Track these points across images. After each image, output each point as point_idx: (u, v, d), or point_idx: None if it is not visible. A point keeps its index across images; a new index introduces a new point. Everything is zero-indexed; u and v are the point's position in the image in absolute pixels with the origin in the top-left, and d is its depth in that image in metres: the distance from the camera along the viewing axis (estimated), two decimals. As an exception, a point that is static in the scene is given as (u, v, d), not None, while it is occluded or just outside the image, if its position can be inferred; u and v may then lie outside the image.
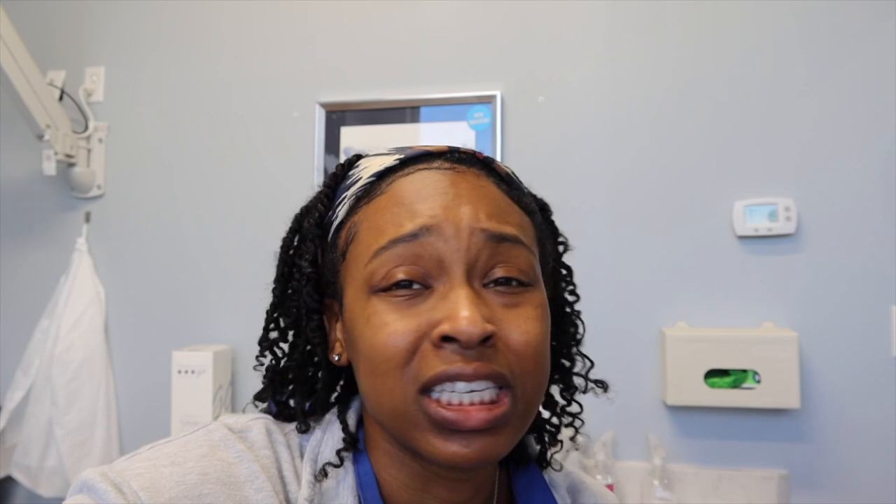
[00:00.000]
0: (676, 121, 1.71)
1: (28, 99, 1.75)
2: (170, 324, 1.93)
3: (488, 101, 1.78)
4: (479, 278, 0.50)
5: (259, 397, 0.62)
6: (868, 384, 1.59)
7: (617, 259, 1.71)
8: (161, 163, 1.98)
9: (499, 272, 0.50)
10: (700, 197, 1.69)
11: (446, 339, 0.47)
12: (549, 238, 0.62)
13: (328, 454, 0.55)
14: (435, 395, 0.47)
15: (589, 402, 0.65)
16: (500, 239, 0.50)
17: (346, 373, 0.61)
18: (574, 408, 0.64)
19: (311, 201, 0.60)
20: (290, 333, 0.61)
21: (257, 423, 0.56)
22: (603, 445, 1.63)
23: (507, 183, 0.57)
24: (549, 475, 0.64)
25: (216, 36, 1.98)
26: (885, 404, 1.58)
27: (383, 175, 0.54)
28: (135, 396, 1.94)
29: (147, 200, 1.97)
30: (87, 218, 1.99)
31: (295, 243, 0.61)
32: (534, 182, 0.65)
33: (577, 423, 0.65)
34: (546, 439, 0.65)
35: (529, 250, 0.52)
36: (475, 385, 0.47)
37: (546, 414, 0.65)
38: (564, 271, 0.65)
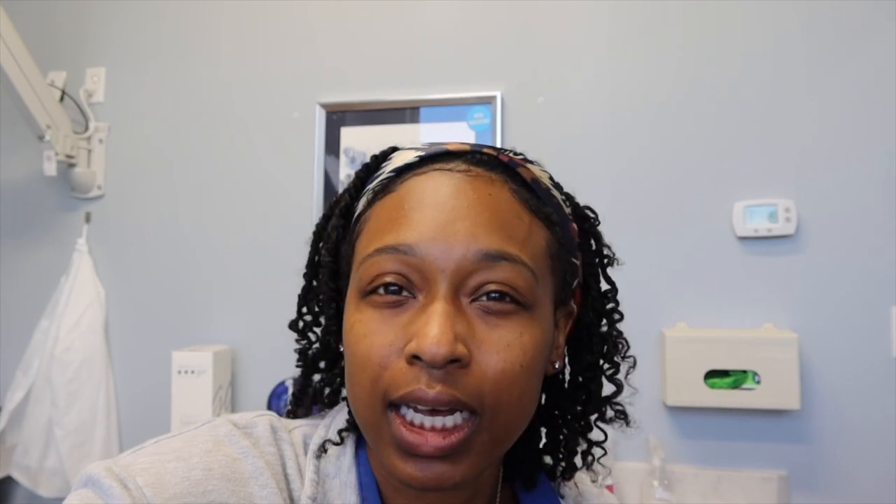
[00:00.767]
0: (676, 122, 1.71)
1: (29, 99, 1.75)
2: (170, 324, 1.93)
3: (488, 101, 1.78)
4: (468, 294, 0.48)
5: (299, 381, 0.64)
6: (868, 385, 1.59)
7: (617, 259, 1.71)
8: (161, 163, 1.98)
9: (490, 287, 0.48)
10: (700, 198, 1.69)
11: (416, 356, 0.45)
12: (583, 253, 0.60)
13: (332, 456, 0.55)
14: (402, 412, 0.46)
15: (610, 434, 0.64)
16: (495, 257, 0.47)
17: None
18: (597, 434, 0.62)
19: (344, 189, 0.61)
20: (321, 318, 0.62)
21: (262, 419, 0.55)
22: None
23: (530, 189, 0.53)
24: (561, 490, 0.64)
25: (217, 36, 1.98)
26: (885, 405, 1.58)
27: (402, 171, 0.54)
28: (135, 397, 1.94)
29: (147, 201, 1.98)
30: (88, 218, 1.99)
31: (326, 230, 0.61)
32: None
33: (597, 451, 0.62)
34: (561, 461, 0.63)
35: (530, 270, 0.49)
36: (437, 408, 0.46)
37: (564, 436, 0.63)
38: (607, 286, 0.63)
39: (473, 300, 0.48)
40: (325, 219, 0.61)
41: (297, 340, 0.63)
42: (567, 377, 0.62)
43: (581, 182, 1.70)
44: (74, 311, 1.90)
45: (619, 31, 1.76)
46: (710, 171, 1.69)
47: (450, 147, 0.54)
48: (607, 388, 0.62)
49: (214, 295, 1.92)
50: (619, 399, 0.61)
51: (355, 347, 0.48)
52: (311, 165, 1.86)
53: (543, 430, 0.63)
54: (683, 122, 1.71)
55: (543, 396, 0.61)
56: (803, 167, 1.65)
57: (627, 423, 0.61)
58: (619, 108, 1.74)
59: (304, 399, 0.62)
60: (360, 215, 0.55)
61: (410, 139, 1.81)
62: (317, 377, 0.63)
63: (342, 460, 0.54)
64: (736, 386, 1.56)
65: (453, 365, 0.45)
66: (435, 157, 0.53)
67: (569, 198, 0.60)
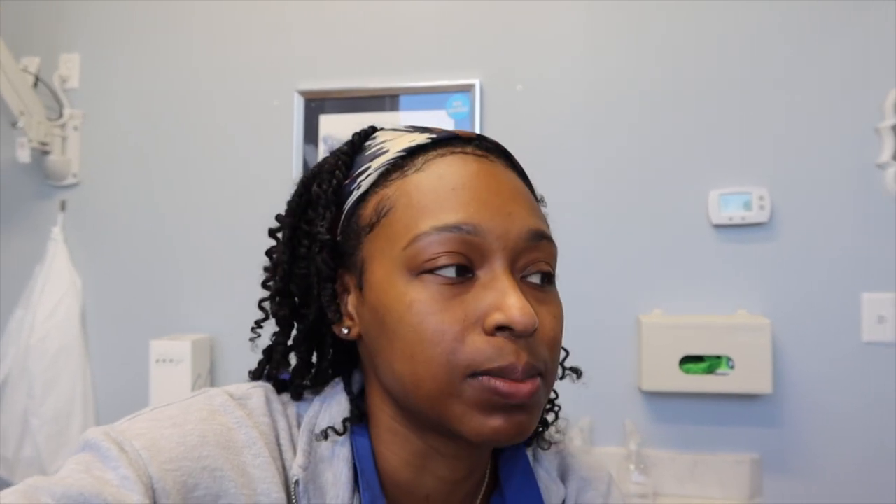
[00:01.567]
0: (654, 111, 1.73)
1: (1, 85, 1.73)
2: (147, 313, 1.92)
3: (467, 89, 1.79)
4: (519, 271, 0.51)
5: (263, 374, 0.61)
6: (838, 370, 1.63)
7: (594, 247, 1.73)
8: (138, 151, 1.96)
9: (535, 268, 0.52)
10: (676, 186, 1.71)
11: (500, 328, 0.47)
12: None
13: (325, 425, 0.55)
14: (487, 378, 0.48)
15: (566, 390, 0.67)
16: (538, 237, 0.52)
17: (348, 345, 0.60)
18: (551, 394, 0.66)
19: (325, 166, 0.58)
20: (297, 303, 0.59)
21: (257, 390, 0.56)
22: (580, 431, 1.65)
23: (524, 176, 0.58)
24: (537, 455, 0.65)
25: (194, 23, 1.96)
26: (855, 390, 1.62)
27: (414, 152, 0.54)
28: (113, 386, 1.93)
29: (123, 189, 1.96)
30: (63, 206, 1.97)
31: (301, 209, 0.58)
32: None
33: (556, 408, 0.66)
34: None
35: (555, 246, 0.54)
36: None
37: None
38: None
39: (522, 276, 0.51)
40: (300, 196, 0.59)
41: (253, 329, 0.61)
42: None
43: (559, 170, 1.73)
44: (50, 301, 1.88)
45: (598, 20, 1.77)
46: (687, 159, 1.71)
47: (458, 132, 0.56)
48: None
49: (192, 283, 1.91)
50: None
51: (421, 325, 0.48)
52: (290, 153, 1.85)
53: None
54: (660, 112, 1.73)
55: None
56: (777, 156, 1.67)
57: (580, 376, 0.65)
58: (598, 97, 1.76)
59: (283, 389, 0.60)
60: (365, 194, 0.54)
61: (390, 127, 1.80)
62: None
63: (338, 437, 0.55)
64: (710, 371, 1.59)
65: (531, 334, 0.48)
66: (449, 141, 0.55)
67: None
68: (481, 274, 0.50)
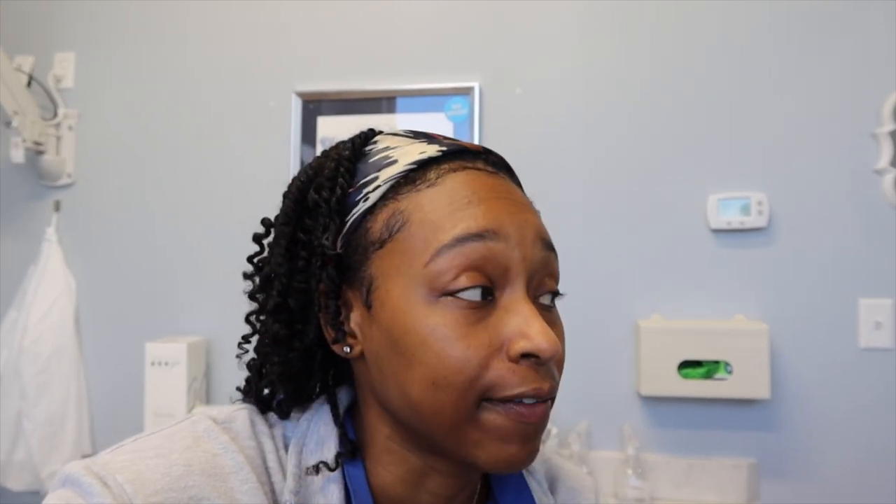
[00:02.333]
0: (652, 116, 1.73)
1: (-5, 84, 1.71)
2: (142, 315, 1.90)
3: (466, 92, 1.78)
4: (533, 290, 0.50)
5: (247, 392, 0.59)
6: (836, 375, 1.63)
7: (592, 252, 1.72)
8: (133, 151, 1.94)
9: (547, 285, 0.51)
10: (674, 191, 1.71)
11: (525, 355, 0.47)
12: None
13: (313, 447, 0.54)
14: (503, 404, 0.48)
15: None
16: (549, 248, 0.52)
17: (336, 362, 0.59)
18: None
19: (321, 172, 0.54)
20: (293, 317, 0.55)
21: (241, 413, 0.54)
22: (577, 436, 1.65)
23: (521, 190, 0.57)
24: (529, 467, 0.64)
25: (190, 22, 1.94)
26: (853, 395, 1.62)
27: (426, 164, 0.52)
28: (107, 389, 1.91)
29: (119, 189, 1.94)
30: (57, 207, 1.95)
31: (297, 217, 0.55)
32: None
33: None
34: None
35: (558, 259, 0.53)
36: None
37: None
38: None
39: (537, 298, 0.51)
40: (297, 203, 0.55)
41: (240, 345, 0.58)
42: None
43: (558, 174, 1.72)
44: (44, 302, 1.86)
45: (595, 24, 1.77)
46: (685, 164, 1.71)
47: (466, 145, 0.55)
48: None
49: (188, 285, 1.89)
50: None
51: (444, 351, 0.47)
52: (287, 155, 1.84)
53: None
54: (659, 116, 1.72)
55: None
56: (776, 161, 1.67)
57: None
58: (597, 101, 1.75)
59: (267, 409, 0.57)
60: (374, 206, 0.51)
61: (388, 129, 1.79)
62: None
63: (325, 452, 0.54)
64: (708, 376, 1.59)
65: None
66: (459, 154, 0.53)
67: None
68: (501, 296, 0.49)
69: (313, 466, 0.52)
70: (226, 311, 1.83)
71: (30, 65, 1.96)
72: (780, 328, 1.63)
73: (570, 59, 1.77)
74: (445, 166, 0.52)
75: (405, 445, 0.53)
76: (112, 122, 1.96)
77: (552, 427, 1.65)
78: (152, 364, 1.75)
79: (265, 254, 0.58)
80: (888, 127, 1.60)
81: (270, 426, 0.55)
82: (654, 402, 1.69)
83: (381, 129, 0.60)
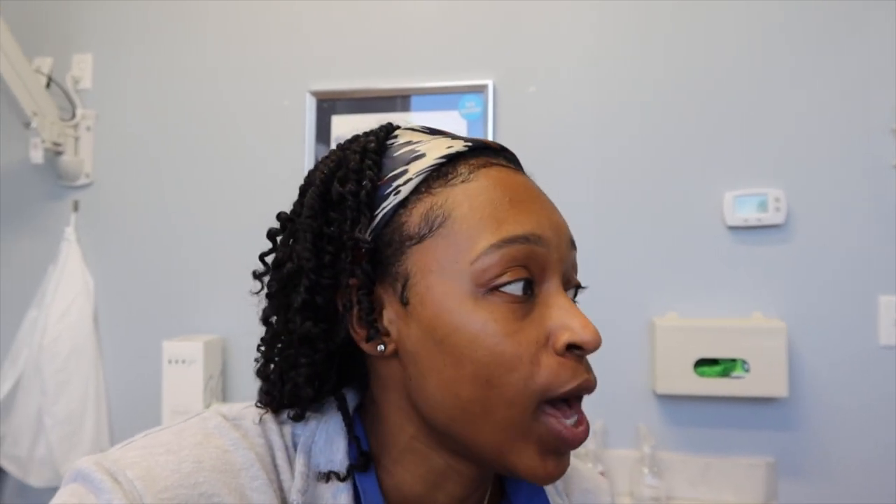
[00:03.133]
0: (667, 111, 1.71)
1: (14, 86, 1.73)
2: (160, 313, 1.92)
3: (480, 90, 1.78)
4: (564, 286, 0.52)
5: (269, 401, 0.56)
6: (855, 373, 1.61)
7: (608, 249, 1.72)
8: (150, 151, 1.96)
9: (574, 281, 0.53)
10: (690, 187, 1.69)
11: (571, 347, 0.48)
12: None
13: (322, 445, 0.54)
14: (555, 411, 0.48)
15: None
16: (574, 246, 0.53)
17: (352, 359, 0.57)
18: None
19: (345, 163, 0.53)
20: (320, 313, 0.53)
21: (251, 411, 0.55)
22: (593, 434, 1.64)
23: None
24: None
25: (206, 23, 1.96)
26: (872, 393, 1.60)
27: (454, 159, 0.52)
28: (125, 386, 1.94)
29: (136, 189, 1.96)
30: (76, 207, 1.97)
31: (323, 209, 0.53)
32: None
33: None
34: None
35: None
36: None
37: None
38: None
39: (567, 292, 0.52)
40: (321, 196, 0.53)
41: (307, 351, 0.53)
42: None
43: (571, 171, 1.72)
44: (63, 301, 1.88)
45: (611, 21, 1.76)
46: (701, 160, 1.69)
47: (486, 141, 0.56)
48: None
49: (205, 284, 1.91)
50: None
51: (498, 346, 0.47)
52: (302, 154, 1.85)
53: None
54: (674, 111, 1.71)
55: None
56: (793, 157, 1.65)
57: None
58: (610, 98, 1.74)
59: (299, 402, 0.55)
60: (406, 200, 0.50)
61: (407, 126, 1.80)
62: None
63: (335, 454, 0.53)
64: (725, 374, 1.58)
65: None
66: (484, 150, 0.54)
67: None
68: (540, 291, 0.50)
69: (324, 475, 0.52)
70: (242, 309, 1.82)
71: (48, 66, 1.98)
72: (799, 326, 1.61)
73: (584, 57, 1.76)
74: (473, 162, 0.52)
75: (431, 445, 0.53)
76: (129, 123, 1.98)
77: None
78: (169, 362, 1.77)
79: (281, 250, 0.55)
80: (908, 122, 1.58)
81: (280, 424, 0.55)
82: (670, 400, 1.68)
83: (400, 125, 0.60)
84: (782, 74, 1.67)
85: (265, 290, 0.57)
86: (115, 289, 1.96)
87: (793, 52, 1.67)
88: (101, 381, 1.92)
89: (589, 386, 0.49)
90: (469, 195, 0.50)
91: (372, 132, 0.56)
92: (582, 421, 0.49)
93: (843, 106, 1.64)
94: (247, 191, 1.89)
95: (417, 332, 0.49)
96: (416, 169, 0.51)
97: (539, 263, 0.49)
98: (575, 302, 0.53)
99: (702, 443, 1.66)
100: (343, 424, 0.54)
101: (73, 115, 1.96)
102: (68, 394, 1.85)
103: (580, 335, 0.47)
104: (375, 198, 0.51)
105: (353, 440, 0.54)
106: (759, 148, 1.67)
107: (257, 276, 0.58)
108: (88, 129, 1.98)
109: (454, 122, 1.77)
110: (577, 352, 0.48)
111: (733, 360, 1.57)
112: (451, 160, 0.52)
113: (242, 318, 1.86)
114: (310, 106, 1.86)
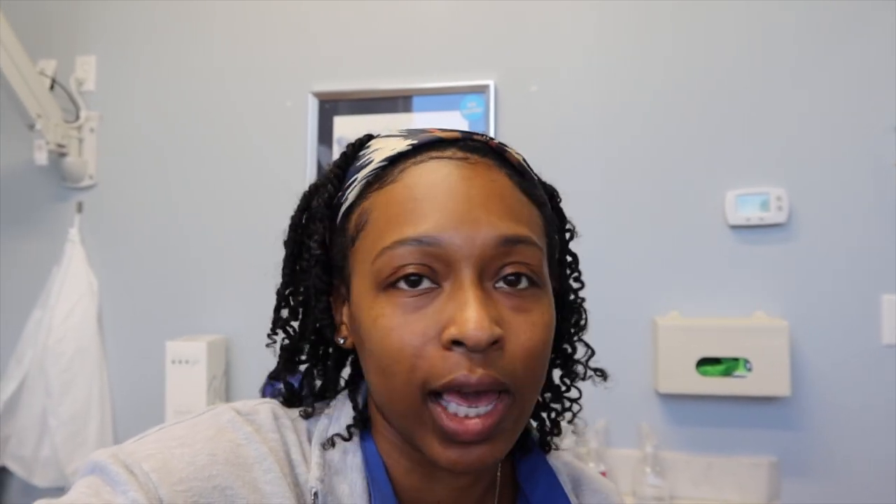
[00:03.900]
0: (669, 111, 1.72)
1: (19, 88, 1.74)
2: (163, 314, 1.93)
3: (481, 90, 1.78)
4: (490, 278, 0.49)
5: (274, 376, 0.61)
6: (858, 372, 1.61)
7: (610, 249, 1.72)
8: (153, 152, 1.97)
9: (509, 269, 0.49)
10: (692, 187, 1.70)
11: (455, 342, 0.46)
12: (556, 227, 0.61)
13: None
14: (444, 402, 0.48)
15: (582, 390, 0.66)
16: (513, 242, 0.49)
17: (355, 353, 0.61)
18: (573, 393, 0.65)
19: (320, 180, 0.59)
20: (301, 312, 0.61)
21: (264, 406, 0.56)
22: (595, 433, 1.64)
23: (520, 173, 0.55)
24: (551, 461, 0.64)
25: (209, 25, 1.97)
26: (875, 392, 1.59)
27: (395, 160, 0.53)
28: (129, 387, 1.94)
29: (140, 190, 1.97)
30: (80, 208, 1.98)
31: (303, 222, 0.59)
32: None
33: (575, 407, 0.65)
34: (547, 425, 0.65)
35: (539, 249, 0.52)
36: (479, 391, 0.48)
37: (547, 399, 0.65)
38: (570, 258, 0.65)
39: (495, 284, 0.50)
40: (302, 210, 0.60)
41: (269, 335, 0.61)
42: None
43: (573, 170, 1.72)
44: (67, 302, 1.89)
45: (612, 20, 1.76)
46: (703, 159, 1.69)
47: (441, 135, 0.54)
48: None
49: (208, 284, 1.91)
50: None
51: (384, 341, 0.48)
52: (304, 154, 1.86)
53: None
54: (676, 111, 1.71)
55: None
56: (795, 156, 1.65)
57: (605, 378, 0.65)
58: (612, 98, 1.75)
59: (295, 400, 0.60)
60: (351, 206, 0.54)
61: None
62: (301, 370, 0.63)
63: (348, 448, 0.55)
64: (727, 373, 1.58)
65: (491, 347, 0.47)
66: (429, 145, 0.53)
67: (538, 177, 0.60)
68: (447, 285, 0.49)
69: (329, 439, 0.55)
70: (245, 309, 1.85)
71: (52, 68, 1.99)
72: (801, 325, 1.61)
73: (585, 57, 1.77)
74: (412, 160, 0.52)
75: (403, 439, 0.54)
76: (132, 124, 1.99)
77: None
78: (173, 362, 1.78)
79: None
80: (910, 120, 1.58)
81: (293, 420, 0.56)
82: (672, 399, 1.68)
83: (399, 128, 0.60)
84: (784, 74, 1.67)
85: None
86: (118, 289, 1.97)
87: (794, 51, 1.67)
88: (106, 382, 1.93)
89: (467, 382, 0.46)
90: (387, 198, 0.51)
91: (348, 144, 0.59)
92: (486, 414, 0.47)
93: (844, 105, 1.64)
94: (249, 192, 1.90)
95: (353, 326, 0.54)
96: (361, 175, 0.54)
97: (441, 260, 0.48)
98: (523, 292, 0.50)
99: (704, 442, 1.66)
100: (352, 413, 0.57)
101: (77, 117, 1.97)
102: (73, 394, 1.86)
103: (461, 330, 0.46)
104: (335, 207, 0.56)
105: (356, 413, 0.57)
106: (760, 147, 1.67)
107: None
108: (92, 130, 1.99)
109: (456, 122, 1.78)
110: (458, 348, 0.47)
111: (736, 360, 1.58)
112: (393, 162, 0.53)
113: (246, 319, 1.88)
114: (312, 107, 1.86)
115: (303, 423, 0.57)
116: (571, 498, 0.62)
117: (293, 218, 0.60)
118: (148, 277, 1.95)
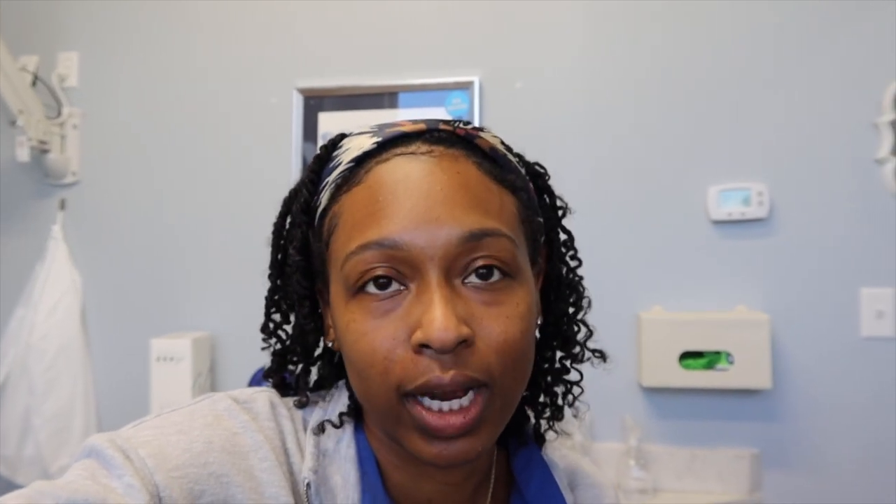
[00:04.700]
0: (652, 108, 1.73)
1: (0, 84, 1.72)
2: (148, 311, 1.92)
3: (466, 87, 1.79)
4: (458, 275, 0.49)
5: (267, 375, 0.62)
6: (838, 365, 1.63)
7: (593, 244, 1.72)
8: (137, 149, 1.96)
9: (479, 262, 0.48)
10: (675, 182, 1.71)
11: (423, 345, 0.46)
12: (541, 208, 0.61)
13: (328, 427, 0.56)
14: (420, 400, 0.48)
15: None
16: (479, 236, 0.48)
17: None
18: (573, 376, 0.64)
19: (297, 185, 0.58)
20: (291, 315, 0.61)
21: (261, 395, 0.56)
22: (580, 427, 1.66)
23: (492, 159, 0.54)
24: (547, 455, 0.64)
25: (193, 20, 1.95)
26: (854, 385, 1.62)
27: (361, 160, 0.52)
28: (113, 384, 1.93)
29: (123, 187, 1.96)
30: (62, 205, 1.97)
31: (285, 227, 0.59)
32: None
33: (576, 390, 0.64)
34: (547, 412, 0.64)
35: (511, 239, 0.50)
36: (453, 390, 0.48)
37: (548, 382, 0.64)
38: (565, 236, 0.65)
39: (465, 279, 0.49)
40: (283, 217, 0.59)
41: (264, 339, 0.61)
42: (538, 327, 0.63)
43: (558, 167, 1.71)
44: (50, 299, 1.88)
45: (596, 18, 1.77)
46: (685, 155, 1.71)
47: (405, 129, 0.53)
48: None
49: (193, 281, 1.91)
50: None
51: (356, 346, 0.49)
52: (289, 151, 1.85)
53: None
54: (659, 108, 1.73)
55: None
56: (776, 152, 1.67)
57: (605, 360, 0.64)
58: (596, 94, 1.76)
59: (290, 390, 0.61)
60: (325, 210, 0.54)
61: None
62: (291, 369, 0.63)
63: (341, 438, 0.55)
64: (710, 367, 1.60)
65: (461, 346, 0.46)
66: (393, 141, 0.52)
67: (520, 158, 0.60)
68: (412, 285, 0.48)
69: (319, 426, 0.55)
70: (230, 306, 1.84)
71: (34, 64, 1.97)
72: (782, 318, 1.63)
73: (570, 54, 1.77)
74: (377, 158, 0.52)
75: (389, 436, 0.54)
76: (116, 120, 1.97)
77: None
78: (158, 360, 1.77)
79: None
80: (888, 116, 1.60)
81: (289, 409, 0.57)
82: (655, 392, 1.70)
83: (352, 131, 0.60)
84: (765, 71, 1.69)
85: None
86: (102, 286, 1.96)
87: (775, 48, 1.68)
88: (90, 380, 1.92)
89: (440, 384, 0.46)
90: (352, 201, 0.51)
91: (320, 147, 0.58)
92: (466, 407, 0.47)
93: (825, 101, 1.66)
94: (234, 188, 1.89)
95: (335, 330, 0.54)
96: (331, 179, 0.54)
97: (405, 262, 0.48)
98: (495, 285, 0.49)
99: (687, 435, 1.68)
100: (347, 400, 0.58)
101: (60, 114, 1.95)
102: (56, 392, 1.85)
103: (425, 333, 0.46)
104: (311, 212, 0.56)
105: (350, 402, 0.57)
106: (742, 143, 1.69)
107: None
108: (75, 127, 1.97)
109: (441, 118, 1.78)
110: (427, 350, 0.46)
111: (718, 353, 1.59)
112: (360, 162, 0.53)
113: (231, 315, 1.88)
114: (297, 103, 1.86)
115: (299, 413, 0.57)
116: (566, 493, 0.62)
117: (276, 224, 0.60)
118: (132, 274, 1.94)
